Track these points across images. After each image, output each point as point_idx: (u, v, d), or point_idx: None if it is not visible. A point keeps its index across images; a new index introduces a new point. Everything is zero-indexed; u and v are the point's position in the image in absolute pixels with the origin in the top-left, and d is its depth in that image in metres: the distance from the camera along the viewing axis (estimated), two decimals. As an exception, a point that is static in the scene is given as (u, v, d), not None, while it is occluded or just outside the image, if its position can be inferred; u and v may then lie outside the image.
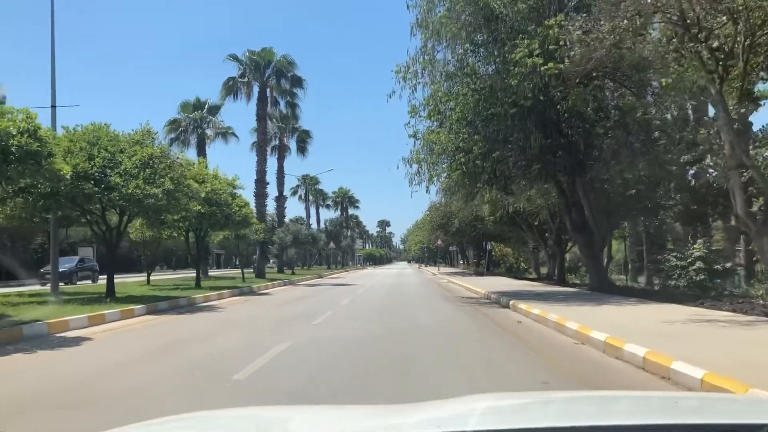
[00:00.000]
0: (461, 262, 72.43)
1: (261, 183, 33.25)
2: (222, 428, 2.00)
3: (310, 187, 78.57)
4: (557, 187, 18.37)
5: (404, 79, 17.30)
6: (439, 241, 54.20)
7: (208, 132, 38.84)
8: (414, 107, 17.46)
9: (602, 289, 17.95)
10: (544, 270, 46.46)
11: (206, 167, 23.09)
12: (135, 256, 54.26)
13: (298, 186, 77.10)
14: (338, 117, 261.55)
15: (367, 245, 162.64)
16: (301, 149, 46.39)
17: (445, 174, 17.26)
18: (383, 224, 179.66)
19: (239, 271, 33.41)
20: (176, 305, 15.83)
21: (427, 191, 17.91)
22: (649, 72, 15.78)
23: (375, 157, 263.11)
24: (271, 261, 51.22)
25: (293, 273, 42.00)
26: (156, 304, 14.86)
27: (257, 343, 8.94)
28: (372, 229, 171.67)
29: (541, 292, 18.75)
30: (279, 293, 23.06)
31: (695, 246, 17.00)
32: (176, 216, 18.35)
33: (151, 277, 25.76)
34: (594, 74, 16.17)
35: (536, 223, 26.11)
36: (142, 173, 15.23)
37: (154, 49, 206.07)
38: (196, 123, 37.71)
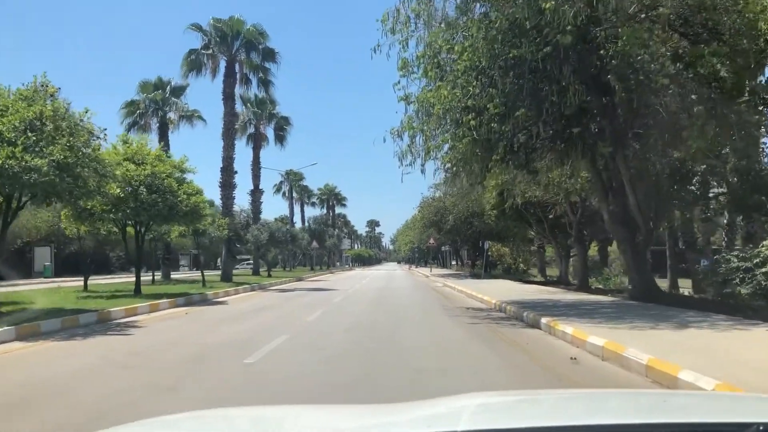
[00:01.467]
0: (454, 263, 68.12)
1: (228, 172, 28.74)
2: (213, 428, 2.00)
3: (294, 184, 73.97)
4: (592, 166, 14.10)
5: (392, 31, 13.01)
6: (432, 240, 49.87)
7: (171, 116, 34.26)
8: (405, 61, 13.10)
9: (650, 297, 13.72)
10: (551, 272, 42.37)
11: (147, 146, 18.66)
12: (105, 257, 49.86)
13: (281, 182, 72.54)
14: (324, 111, 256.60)
15: (356, 245, 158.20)
16: (280, 138, 41.91)
17: (447, 146, 12.92)
18: (372, 224, 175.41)
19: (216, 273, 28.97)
20: (74, 324, 11.36)
21: (422, 171, 13.58)
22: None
23: (364, 155, 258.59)
24: (245, 263, 46.83)
25: (269, 275, 37.51)
26: (37, 324, 10.41)
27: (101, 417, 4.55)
28: (361, 229, 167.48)
29: (570, 302, 14.50)
30: (237, 302, 18.62)
31: (765, 243, 12.97)
32: (88, 201, 13.90)
33: (103, 281, 21.17)
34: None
35: (551, 216, 21.82)
36: (22, 139, 10.81)
37: (106, 27, 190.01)
38: (156, 105, 33.11)
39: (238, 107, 34.20)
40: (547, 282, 26.76)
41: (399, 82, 13.28)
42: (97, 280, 27.37)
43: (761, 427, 1.39)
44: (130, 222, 18.67)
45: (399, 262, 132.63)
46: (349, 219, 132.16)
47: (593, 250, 34.26)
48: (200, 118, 34.15)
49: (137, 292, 18.59)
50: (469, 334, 10.05)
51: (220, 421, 2.11)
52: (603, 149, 12.16)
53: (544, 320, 10.31)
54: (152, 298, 16.47)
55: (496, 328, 10.77)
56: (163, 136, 33.22)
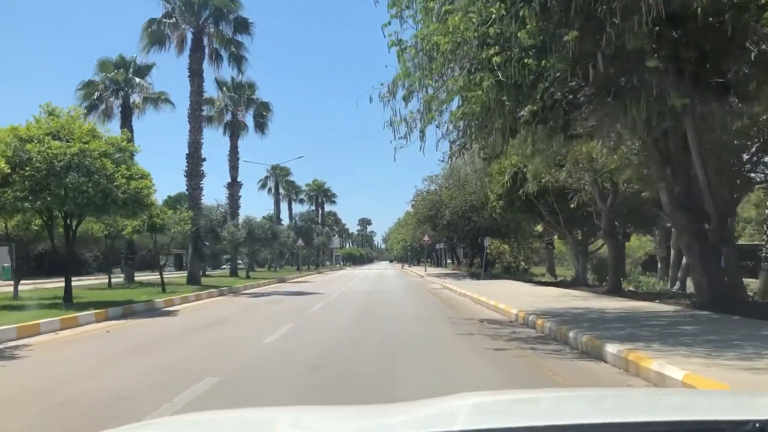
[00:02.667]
0: (450, 261, 64.57)
1: (195, 159, 25.00)
2: (208, 430, 2.02)
3: (280, 179, 70.23)
4: (648, 132, 10.51)
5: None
6: (426, 238, 46.29)
7: (136, 99, 30.47)
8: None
9: (722, 306, 10.21)
10: (559, 272, 38.82)
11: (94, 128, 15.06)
12: (86, 256, 46.02)
13: (266, 177, 68.84)
14: (313, 107, 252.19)
15: (347, 244, 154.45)
16: (260, 126, 38.17)
17: (458, 100, 9.35)
18: (364, 222, 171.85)
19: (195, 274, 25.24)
20: None
21: (422, 138, 10.00)
22: None
23: (355, 151, 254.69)
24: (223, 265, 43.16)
25: (248, 277, 33.79)
26: None
27: None
28: (352, 227, 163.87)
29: (618, 313, 10.98)
30: (189, 313, 14.94)
31: None
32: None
33: (62, 284, 17.32)
34: None
35: (572, 206, 18.26)
36: None
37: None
38: (117, 86, 29.29)
39: (213, 92, 30.52)
40: (560, 283, 23.26)
41: (389, 23, 9.71)
42: (56, 283, 23.84)
43: (757, 424, 1.36)
44: (59, 213, 15.02)
45: (391, 261, 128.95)
46: (340, 217, 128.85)
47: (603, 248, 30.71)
48: (168, 101, 30.33)
49: (67, 300, 14.89)
50: (500, 372, 6.49)
51: (207, 424, 2.10)
52: (676, 101, 8.59)
53: (611, 348, 6.76)
54: (77, 309, 12.86)
55: (536, 359, 7.20)
56: (126, 122, 29.49)
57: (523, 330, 10.11)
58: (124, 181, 14.15)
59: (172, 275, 31.20)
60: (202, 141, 25.42)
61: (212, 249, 42.89)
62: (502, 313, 12.78)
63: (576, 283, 22.24)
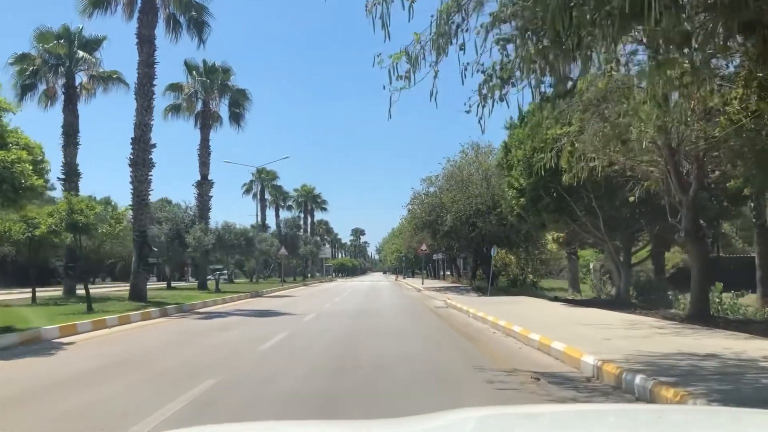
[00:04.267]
0: (448, 273, 59.59)
1: (141, 144, 19.98)
2: None
3: (266, 184, 65.35)
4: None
5: None
6: (424, 247, 41.44)
7: (83, 78, 25.68)
8: None
9: None
10: (584, 288, 33.73)
11: None
12: (54, 265, 40.94)
13: (251, 181, 63.88)
14: (305, 110, 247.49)
15: (340, 254, 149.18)
16: (236, 117, 33.31)
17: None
18: (357, 233, 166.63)
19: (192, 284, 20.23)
20: None
21: (435, 75, 5.44)
22: None
23: (348, 159, 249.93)
24: (218, 273, 38.17)
25: (218, 291, 28.70)
26: None
27: None
28: (345, 237, 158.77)
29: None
30: (87, 349, 9.97)
31: None
32: None
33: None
34: None
35: (632, 199, 13.37)
36: None
37: None
38: (59, 61, 24.48)
39: (179, 75, 25.54)
40: (599, 303, 18.39)
41: None
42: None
43: None
44: None
45: (385, 272, 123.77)
46: (332, 226, 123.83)
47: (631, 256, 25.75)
48: (120, 80, 25.48)
49: None
50: None
51: None
52: None
53: None
54: None
55: None
56: (70, 104, 24.68)
57: (628, 401, 5.27)
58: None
59: (122, 289, 26.15)
60: (152, 123, 20.55)
61: (194, 258, 37.92)
62: (561, 357, 7.97)
63: (618, 302, 17.46)
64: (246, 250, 31.19)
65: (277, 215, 66.92)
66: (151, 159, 20.41)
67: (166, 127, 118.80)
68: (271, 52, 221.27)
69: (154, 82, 20.75)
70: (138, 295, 19.60)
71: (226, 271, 58.77)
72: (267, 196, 66.62)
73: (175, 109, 32.25)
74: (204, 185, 32.01)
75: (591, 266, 34.25)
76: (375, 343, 10.19)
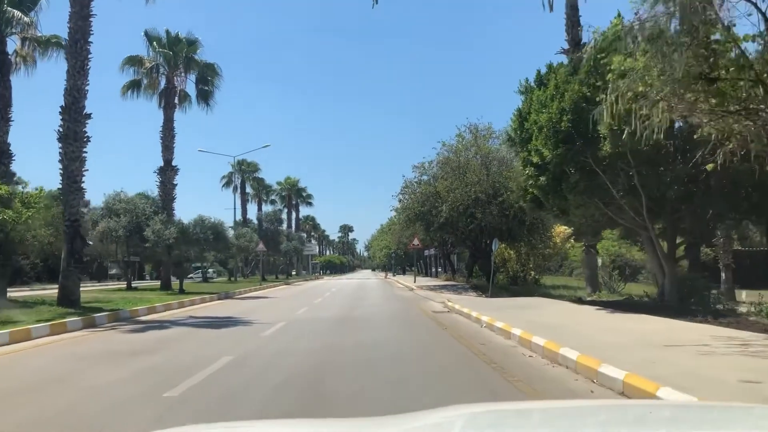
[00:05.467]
0: (440, 269, 56.02)
1: (73, 113, 16.01)
2: None
3: (247, 176, 61.46)
4: None
5: None
6: (416, 241, 37.85)
7: (16, 43, 21.79)
8: None
9: None
10: (577, 282, 30.00)
11: None
12: (20, 265, 36.89)
13: (231, 174, 59.95)
14: (293, 105, 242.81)
15: (328, 251, 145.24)
16: (204, 95, 29.44)
17: None
18: (345, 229, 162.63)
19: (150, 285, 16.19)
20: None
21: None
22: None
23: (336, 155, 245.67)
24: (199, 272, 34.07)
25: (181, 291, 24.88)
26: None
27: None
28: (333, 234, 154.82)
29: None
30: None
31: None
32: None
33: None
34: None
35: (711, 167, 9.80)
36: None
37: None
38: (-18, 21, 20.55)
39: (140, 48, 21.61)
40: (637, 306, 14.85)
41: None
42: None
43: None
44: None
45: (374, 270, 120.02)
46: (319, 222, 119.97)
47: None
48: (61, 45, 21.62)
49: None
50: None
51: None
52: None
53: None
54: None
55: None
56: (0, 73, 20.73)
57: None
58: None
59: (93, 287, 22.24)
60: (86, 88, 16.69)
61: (154, 254, 33.90)
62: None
63: (664, 306, 13.95)
64: (214, 245, 27.36)
65: (259, 209, 63.03)
66: (85, 132, 16.55)
67: (125, 107, 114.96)
68: (254, 42, 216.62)
69: (90, 39, 16.85)
70: (68, 299, 15.78)
71: (211, 270, 54.69)
72: (249, 189, 62.84)
73: (135, 86, 28.37)
74: (167, 172, 28.15)
75: (600, 261, 30.44)
76: (356, 384, 6.49)
